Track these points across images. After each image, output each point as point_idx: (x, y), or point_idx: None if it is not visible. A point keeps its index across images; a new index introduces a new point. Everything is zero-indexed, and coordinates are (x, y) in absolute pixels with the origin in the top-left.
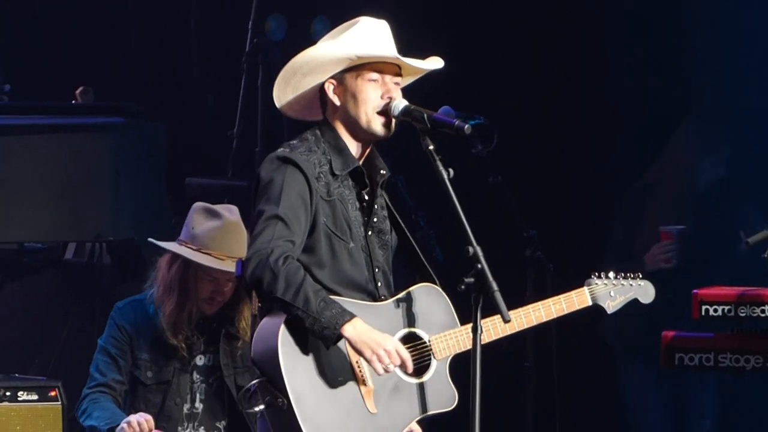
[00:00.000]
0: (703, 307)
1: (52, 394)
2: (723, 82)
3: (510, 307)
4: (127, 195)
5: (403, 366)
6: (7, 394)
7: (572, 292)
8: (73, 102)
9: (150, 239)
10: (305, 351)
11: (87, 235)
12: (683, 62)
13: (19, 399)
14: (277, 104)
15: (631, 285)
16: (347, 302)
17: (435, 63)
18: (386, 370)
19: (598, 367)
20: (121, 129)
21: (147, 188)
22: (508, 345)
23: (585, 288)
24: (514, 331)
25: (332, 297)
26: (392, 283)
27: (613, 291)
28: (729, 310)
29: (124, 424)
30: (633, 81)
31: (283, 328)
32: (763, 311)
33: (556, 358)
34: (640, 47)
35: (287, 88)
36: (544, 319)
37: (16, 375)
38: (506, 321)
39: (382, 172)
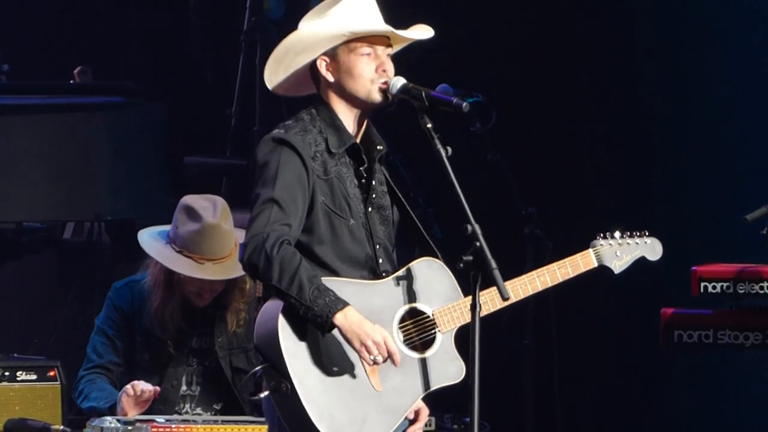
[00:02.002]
0: (702, 284)
1: (51, 373)
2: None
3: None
4: (125, 174)
5: (390, 359)
6: (6, 374)
7: (577, 255)
8: (72, 81)
9: (140, 238)
10: (306, 334)
11: (85, 215)
12: (683, 37)
13: (18, 379)
14: (269, 85)
15: (637, 243)
16: (348, 283)
17: (425, 32)
18: (375, 362)
19: (597, 343)
20: (119, 108)
21: (145, 167)
22: (507, 322)
23: (590, 250)
24: (519, 299)
25: (329, 281)
26: (395, 258)
27: (619, 251)
28: (728, 287)
29: (123, 392)
30: (633, 57)
31: (282, 312)
32: (762, 288)
33: (556, 335)
34: (641, 22)
35: (279, 69)
36: (550, 284)
37: (15, 355)
38: (505, 299)
39: (379, 147)
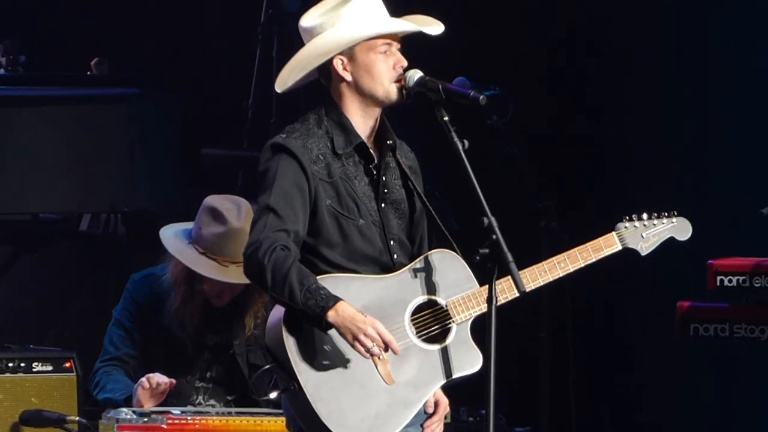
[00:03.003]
0: (718, 278)
1: (67, 365)
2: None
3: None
4: (141, 166)
5: (388, 348)
6: (22, 365)
7: (599, 238)
8: (88, 73)
9: (162, 236)
10: (311, 333)
11: (102, 206)
12: (704, 32)
13: (33, 370)
14: (279, 89)
15: (664, 224)
16: (354, 279)
17: (438, 27)
18: (371, 354)
19: (613, 336)
20: (136, 100)
21: (162, 159)
22: (523, 316)
23: (612, 232)
24: (539, 286)
25: (334, 278)
26: (418, 250)
27: (645, 233)
28: (744, 281)
29: (139, 385)
30: (653, 51)
31: (286, 312)
32: None
33: (572, 328)
34: (659, 17)
35: (293, 74)
36: (571, 269)
37: (31, 346)
38: (521, 292)
39: (389, 142)
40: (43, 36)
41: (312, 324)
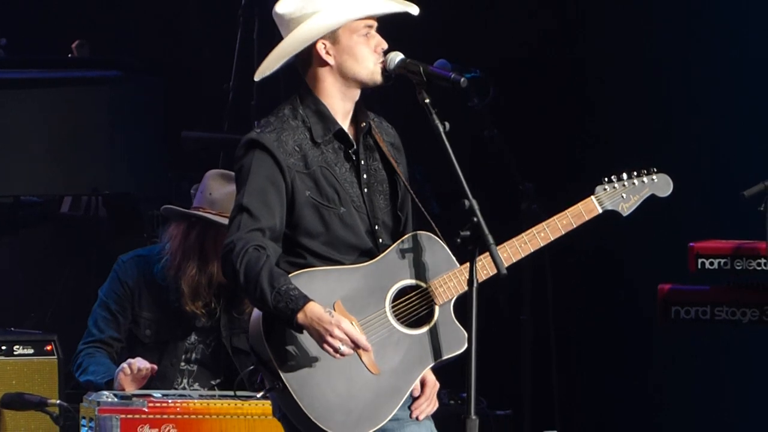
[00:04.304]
0: (699, 260)
1: (48, 348)
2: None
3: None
4: (123, 148)
5: (358, 347)
6: (3, 348)
7: (579, 204)
8: (69, 56)
9: (172, 207)
10: (290, 331)
11: (83, 189)
12: (688, 12)
13: (14, 353)
14: (258, 77)
15: (644, 182)
16: (331, 272)
17: (414, 8)
18: (342, 354)
19: (594, 319)
20: (117, 82)
21: (143, 142)
22: (505, 297)
23: (591, 196)
24: (520, 258)
25: (309, 274)
26: (401, 229)
27: (625, 193)
28: (725, 263)
29: (120, 370)
30: (632, 32)
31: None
32: (759, 264)
33: (553, 311)
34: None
35: (274, 63)
36: (552, 238)
37: (12, 329)
38: (502, 274)
39: (362, 125)
40: (24, 18)
41: (285, 326)
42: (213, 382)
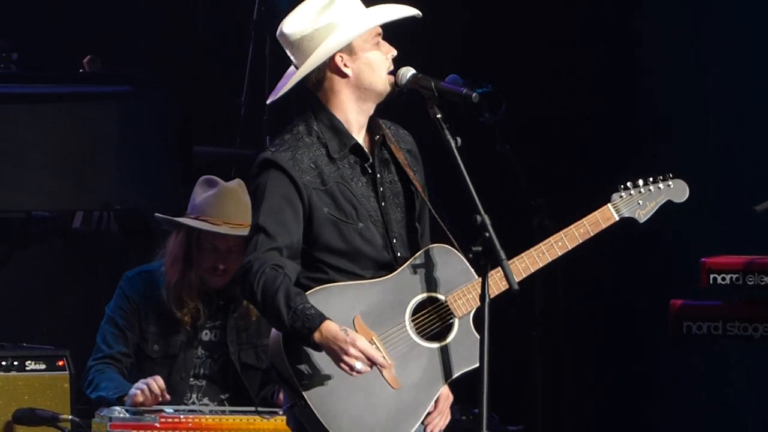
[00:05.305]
0: (711, 276)
1: (60, 363)
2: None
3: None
4: (134, 164)
5: (376, 365)
6: (15, 363)
7: (595, 212)
8: (81, 70)
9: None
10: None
11: (94, 204)
12: (699, 29)
13: (26, 368)
14: (270, 100)
15: (660, 188)
16: (349, 287)
17: (417, 12)
18: (358, 372)
19: (606, 334)
20: (128, 97)
21: (154, 157)
22: (516, 313)
23: (608, 204)
24: (538, 268)
25: (327, 290)
26: (419, 241)
27: (641, 200)
28: (737, 279)
29: (137, 390)
30: (645, 47)
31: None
32: None
33: (565, 326)
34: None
35: (293, 82)
36: (569, 247)
37: (24, 344)
38: (515, 290)
39: (376, 138)
40: (35, 33)
41: (303, 344)
42: (222, 397)
